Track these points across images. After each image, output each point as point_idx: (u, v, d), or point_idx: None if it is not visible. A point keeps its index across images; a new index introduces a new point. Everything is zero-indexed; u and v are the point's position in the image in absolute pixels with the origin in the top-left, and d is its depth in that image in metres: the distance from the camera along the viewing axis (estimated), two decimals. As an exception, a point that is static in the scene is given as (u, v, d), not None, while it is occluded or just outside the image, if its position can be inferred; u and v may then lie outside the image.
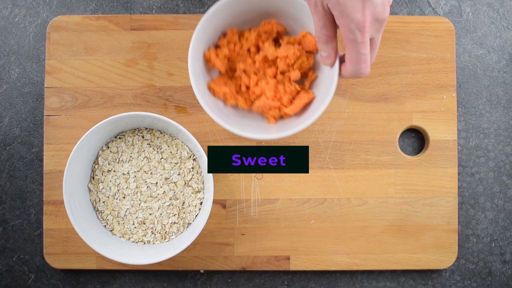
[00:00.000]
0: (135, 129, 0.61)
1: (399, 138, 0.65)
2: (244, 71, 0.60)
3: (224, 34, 0.60)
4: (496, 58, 0.66)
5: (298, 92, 0.60)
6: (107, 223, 0.60)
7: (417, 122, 0.63)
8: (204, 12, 0.65)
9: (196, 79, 0.56)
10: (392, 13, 0.66)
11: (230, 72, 0.61)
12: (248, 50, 0.60)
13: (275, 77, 0.60)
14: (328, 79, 0.57)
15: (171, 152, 0.61)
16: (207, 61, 0.60)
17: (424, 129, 0.63)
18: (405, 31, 0.63)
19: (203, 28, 0.56)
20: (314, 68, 0.61)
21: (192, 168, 0.60)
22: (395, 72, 0.63)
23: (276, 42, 0.61)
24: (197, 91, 0.55)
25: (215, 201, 0.63)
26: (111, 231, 0.61)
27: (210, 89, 0.60)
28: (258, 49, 0.60)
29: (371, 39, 0.48)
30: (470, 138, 0.65)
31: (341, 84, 0.63)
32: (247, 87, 0.60)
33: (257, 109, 0.60)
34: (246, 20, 0.60)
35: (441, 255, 0.63)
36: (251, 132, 0.56)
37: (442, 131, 0.63)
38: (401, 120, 0.63)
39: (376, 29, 0.47)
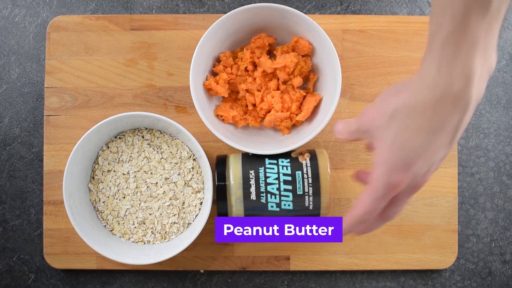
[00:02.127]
0: (135, 129, 0.61)
1: (399, 138, 0.64)
2: (247, 91, 0.60)
3: (218, 61, 0.61)
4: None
5: (304, 97, 0.60)
6: (107, 223, 0.60)
7: (417, 122, 0.63)
8: (204, 12, 0.65)
9: (204, 111, 0.57)
10: (392, 13, 0.66)
11: (233, 95, 0.62)
12: (246, 69, 0.60)
13: (278, 88, 0.60)
14: (331, 76, 0.57)
15: (171, 152, 0.60)
16: (208, 90, 0.60)
17: (424, 129, 0.63)
18: (405, 31, 0.63)
19: (198, 58, 0.57)
20: (313, 70, 0.61)
21: (192, 168, 0.60)
22: (395, 72, 0.63)
23: (270, 54, 0.62)
24: (207, 122, 0.56)
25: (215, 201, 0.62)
26: (111, 231, 0.61)
27: (218, 116, 0.60)
28: (254, 65, 0.60)
29: (394, 197, 0.41)
30: (470, 138, 0.65)
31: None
32: (254, 105, 0.61)
33: (268, 124, 0.60)
34: (236, 41, 0.61)
35: (441, 255, 0.63)
36: (270, 149, 0.57)
37: (442, 131, 0.63)
38: (401, 120, 0.63)
39: (406, 192, 0.41)
